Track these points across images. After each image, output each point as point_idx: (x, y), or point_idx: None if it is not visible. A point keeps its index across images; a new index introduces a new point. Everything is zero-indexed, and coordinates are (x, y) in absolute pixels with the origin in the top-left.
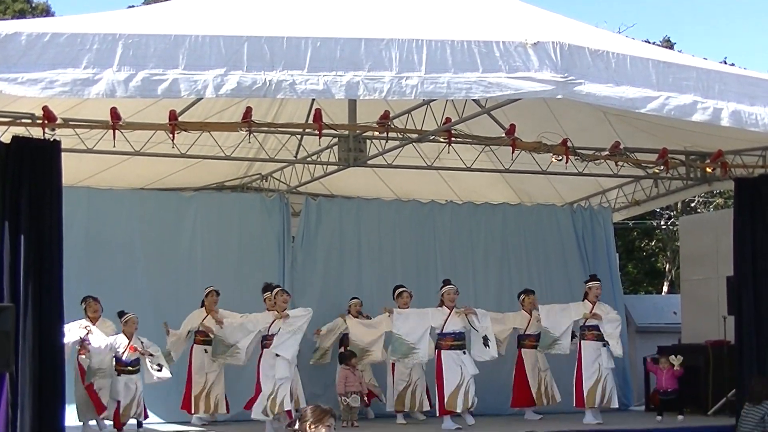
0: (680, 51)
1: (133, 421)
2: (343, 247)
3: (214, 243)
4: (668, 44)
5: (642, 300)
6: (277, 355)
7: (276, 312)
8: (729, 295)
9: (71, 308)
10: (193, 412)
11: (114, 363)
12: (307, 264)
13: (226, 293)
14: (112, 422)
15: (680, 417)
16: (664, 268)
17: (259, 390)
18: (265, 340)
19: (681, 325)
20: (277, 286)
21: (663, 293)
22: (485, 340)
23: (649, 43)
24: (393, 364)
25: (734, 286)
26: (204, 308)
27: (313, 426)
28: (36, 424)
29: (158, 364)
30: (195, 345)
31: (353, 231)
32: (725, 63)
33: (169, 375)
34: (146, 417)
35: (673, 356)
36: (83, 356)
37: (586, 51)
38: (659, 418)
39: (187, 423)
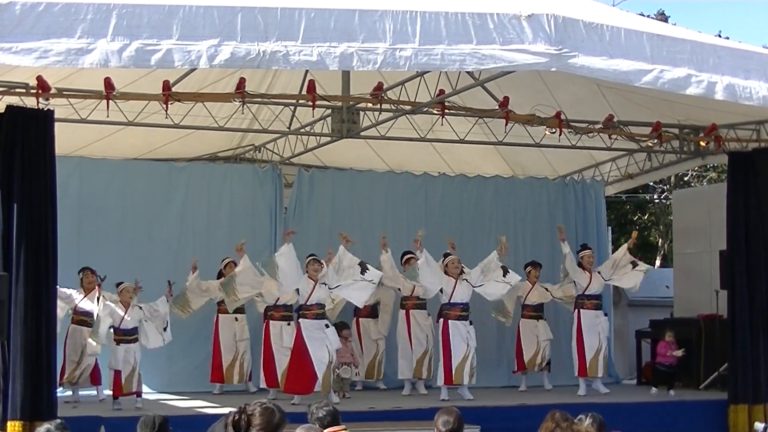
0: (674, 24)
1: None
2: (336, 219)
3: (206, 213)
4: (662, 17)
5: None
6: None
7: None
8: (722, 269)
9: (64, 277)
10: (225, 381)
11: (112, 332)
12: (300, 235)
13: (217, 264)
14: (111, 392)
15: (671, 392)
16: (657, 242)
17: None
18: (305, 310)
19: (673, 299)
20: (310, 256)
21: (656, 267)
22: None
23: (644, 16)
24: (410, 333)
25: (727, 260)
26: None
27: None
28: (27, 393)
29: (164, 327)
30: (221, 315)
31: (346, 202)
32: (720, 36)
33: (170, 338)
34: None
35: (679, 351)
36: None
37: (580, 24)
38: (654, 390)
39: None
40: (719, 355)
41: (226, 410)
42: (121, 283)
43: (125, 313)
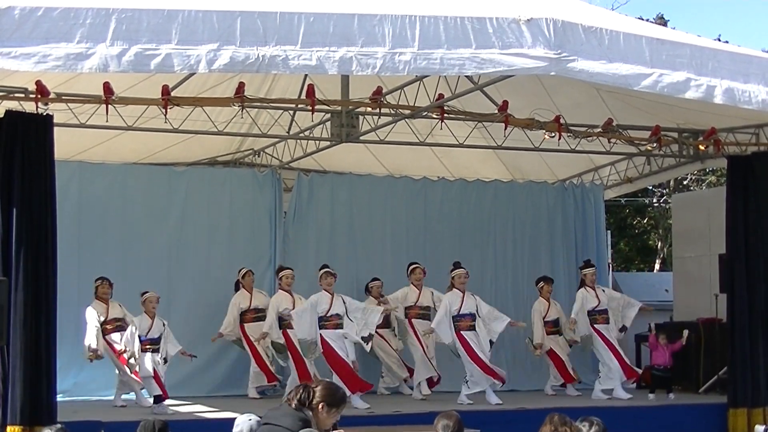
0: (674, 28)
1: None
2: (335, 223)
3: (206, 218)
4: (662, 21)
5: (634, 277)
6: (345, 337)
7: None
8: (721, 272)
9: (63, 282)
10: (269, 381)
11: (138, 343)
12: (299, 240)
13: (217, 269)
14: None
15: (671, 395)
16: (656, 246)
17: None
18: (325, 321)
19: (673, 302)
20: (324, 267)
21: (655, 271)
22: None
23: (643, 20)
24: (418, 337)
25: (726, 263)
26: (244, 289)
27: (324, 406)
28: (27, 397)
29: (165, 357)
30: (246, 324)
31: (345, 207)
32: (719, 40)
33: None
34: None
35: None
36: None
37: (579, 28)
38: (651, 396)
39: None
40: (719, 359)
41: (225, 414)
42: (146, 292)
43: (152, 323)
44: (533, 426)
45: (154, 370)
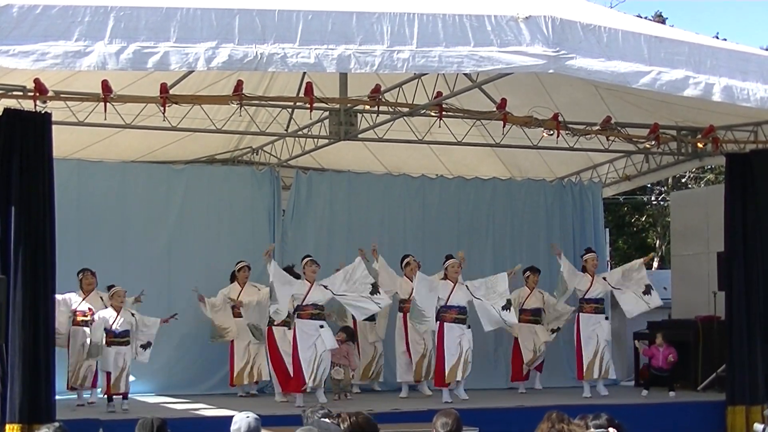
0: (672, 26)
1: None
2: (334, 221)
3: (204, 216)
4: (660, 19)
5: None
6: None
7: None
8: (719, 270)
9: (62, 280)
10: (236, 384)
11: (104, 335)
12: (298, 238)
13: (215, 267)
14: (104, 393)
15: (671, 393)
16: (655, 244)
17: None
18: (300, 310)
19: (671, 300)
20: (306, 257)
21: (653, 269)
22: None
23: (641, 17)
24: (407, 336)
25: (725, 261)
26: (237, 282)
27: None
28: (26, 396)
29: (145, 344)
30: (235, 319)
31: (343, 205)
32: (717, 38)
33: (147, 361)
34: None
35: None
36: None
37: (578, 25)
38: (645, 392)
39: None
40: (717, 357)
41: (223, 412)
42: (113, 286)
43: (116, 316)
44: (531, 424)
45: (108, 372)
